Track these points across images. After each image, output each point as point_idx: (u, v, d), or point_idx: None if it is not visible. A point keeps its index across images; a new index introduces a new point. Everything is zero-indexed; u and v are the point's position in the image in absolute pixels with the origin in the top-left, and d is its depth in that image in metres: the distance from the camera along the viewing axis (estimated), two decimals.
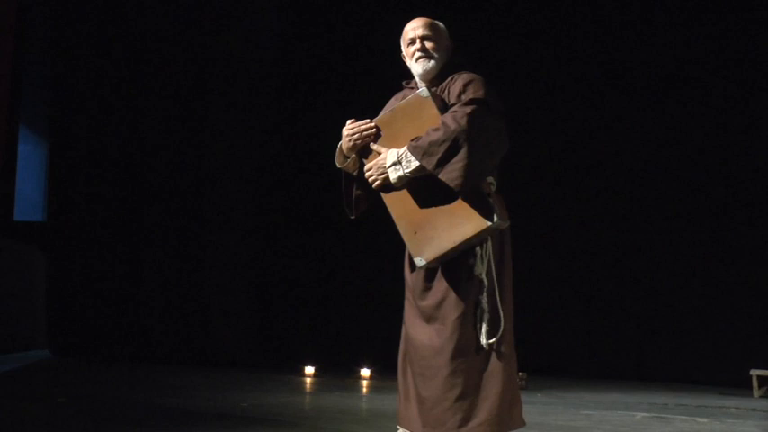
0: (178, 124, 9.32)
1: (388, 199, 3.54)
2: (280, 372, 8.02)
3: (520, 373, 7.64)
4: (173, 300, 9.12)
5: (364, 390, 7.39)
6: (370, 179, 3.54)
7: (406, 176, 3.46)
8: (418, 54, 3.66)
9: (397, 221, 3.53)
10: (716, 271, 8.47)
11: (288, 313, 9.06)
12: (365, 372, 7.84)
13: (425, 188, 3.46)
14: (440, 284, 3.51)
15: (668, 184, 8.67)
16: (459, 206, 3.41)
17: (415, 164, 3.42)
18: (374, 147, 3.55)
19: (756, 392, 7.65)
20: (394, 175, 3.47)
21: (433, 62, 3.66)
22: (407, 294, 3.64)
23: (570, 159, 8.91)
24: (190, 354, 8.79)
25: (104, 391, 6.49)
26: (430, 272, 3.53)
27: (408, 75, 3.78)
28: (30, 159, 9.60)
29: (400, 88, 3.82)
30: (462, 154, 3.34)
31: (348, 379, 7.81)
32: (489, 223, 3.37)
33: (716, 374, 8.11)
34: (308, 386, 7.61)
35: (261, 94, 9.34)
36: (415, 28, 3.69)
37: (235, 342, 8.99)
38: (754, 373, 7.71)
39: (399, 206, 3.51)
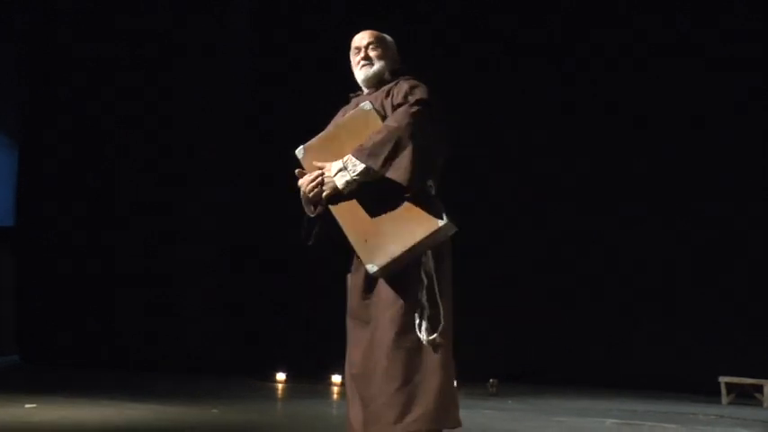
0: (151, 130, 9.26)
1: (336, 210, 3.51)
2: (251, 378, 8.00)
3: (491, 380, 7.68)
4: (143, 305, 9.05)
5: (335, 396, 7.39)
6: (313, 191, 3.50)
7: (354, 181, 3.42)
8: (362, 62, 3.72)
9: (346, 231, 3.50)
10: (684, 278, 8.53)
11: (259, 319, 9.02)
12: (336, 378, 7.83)
13: (373, 196, 3.43)
14: (378, 286, 3.52)
15: (641, 193, 8.72)
16: (409, 210, 3.39)
17: (360, 166, 3.40)
18: (317, 164, 3.51)
19: (725, 399, 7.71)
20: (340, 181, 3.44)
21: (375, 68, 3.70)
22: (348, 304, 3.66)
23: (540, 165, 8.93)
24: (161, 360, 8.73)
25: (74, 398, 6.45)
26: (370, 277, 3.52)
27: (357, 87, 3.81)
28: (1, 164, 9.51)
29: (348, 101, 3.84)
30: (407, 150, 3.34)
31: (319, 385, 7.81)
32: (440, 224, 3.36)
33: (685, 381, 8.16)
34: (279, 393, 7.60)
35: (232, 101, 9.29)
36: (361, 38, 3.76)
37: (205, 348, 8.93)
38: (723, 380, 7.77)
39: (348, 216, 3.48)
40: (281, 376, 8.05)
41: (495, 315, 8.46)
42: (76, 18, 9.33)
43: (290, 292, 8.92)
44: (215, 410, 6.13)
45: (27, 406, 5.95)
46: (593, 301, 8.67)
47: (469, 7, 8.94)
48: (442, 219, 3.36)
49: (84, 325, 9.05)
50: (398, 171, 3.34)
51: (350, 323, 3.65)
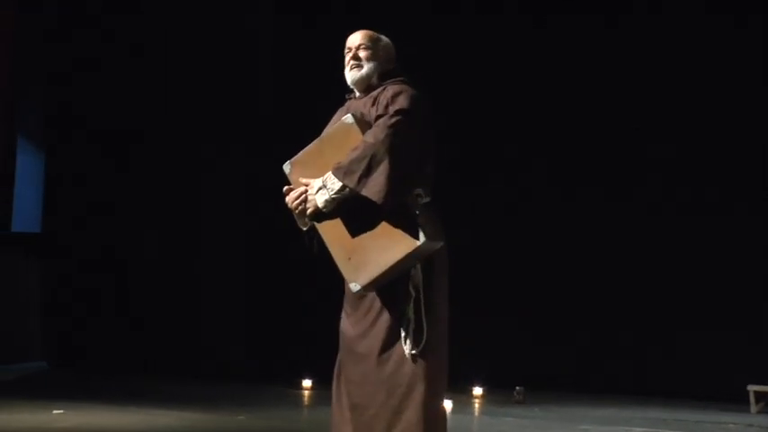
0: (176, 137, 9.31)
1: (321, 228, 3.52)
2: (276, 385, 8.00)
3: (517, 388, 7.64)
4: (168, 311, 9.08)
5: None
6: (297, 209, 3.52)
7: (333, 199, 3.42)
8: (352, 63, 3.68)
9: (331, 249, 3.51)
10: (714, 285, 8.44)
11: (284, 325, 9.03)
12: None
13: (354, 213, 3.43)
14: (368, 296, 3.52)
15: (666, 194, 8.66)
16: (388, 228, 3.38)
17: (338, 185, 3.39)
18: (303, 180, 3.52)
19: (754, 408, 7.62)
20: (321, 199, 3.44)
21: (363, 71, 3.66)
22: (343, 309, 3.66)
23: (561, 163, 8.88)
24: (186, 365, 8.75)
25: (100, 403, 6.48)
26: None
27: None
28: (28, 170, 9.58)
29: (343, 102, 3.82)
30: (383, 167, 3.31)
31: None
32: (418, 244, 3.34)
33: (714, 389, 8.07)
34: (305, 399, 7.60)
35: (254, 107, 9.30)
36: (353, 38, 3.72)
37: (230, 354, 8.95)
38: (752, 388, 7.68)
39: (332, 234, 3.49)
40: (306, 383, 8.04)
41: (519, 323, 8.43)
42: (102, 28, 9.39)
43: (317, 297, 8.91)
44: (241, 417, 6.14)
45: (55, 411, 5.99)
46: (621, 307, 8.60)
47: (466, 7, 8.92)
48: (419, 239, 3.34)
49: (110, 330, 9.09)
50: (373, 189, 3.32)
51: (343, 328, 3.65)
